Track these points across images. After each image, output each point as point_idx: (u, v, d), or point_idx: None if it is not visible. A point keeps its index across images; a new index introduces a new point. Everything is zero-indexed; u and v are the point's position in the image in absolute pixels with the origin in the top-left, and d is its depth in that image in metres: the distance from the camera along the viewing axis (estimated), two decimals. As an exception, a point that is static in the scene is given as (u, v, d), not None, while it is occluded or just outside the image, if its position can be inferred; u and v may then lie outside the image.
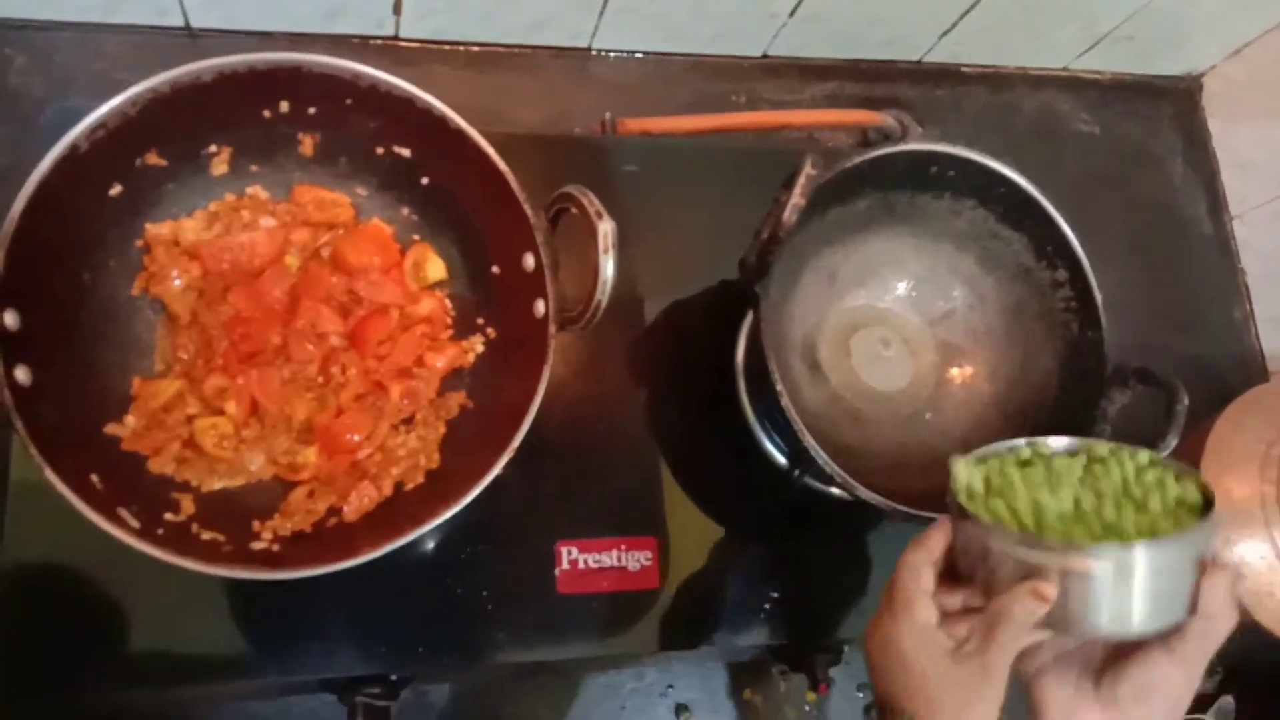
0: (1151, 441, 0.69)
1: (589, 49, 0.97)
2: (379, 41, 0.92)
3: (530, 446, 0.78)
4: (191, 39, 0.87)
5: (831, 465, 0.69)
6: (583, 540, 0.77)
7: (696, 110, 0.96)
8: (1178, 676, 0.51)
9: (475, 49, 0.94)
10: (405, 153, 0.70)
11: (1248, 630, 0.84)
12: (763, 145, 0.98)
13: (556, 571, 0.76)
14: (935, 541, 0.57)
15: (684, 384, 0.84)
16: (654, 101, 0.97)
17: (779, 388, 0.68)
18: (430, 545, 0.74)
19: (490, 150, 0.65)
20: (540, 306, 0.65)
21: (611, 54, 0.98)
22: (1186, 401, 0.69)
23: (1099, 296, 0.76)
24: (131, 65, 0.84)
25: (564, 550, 0.77)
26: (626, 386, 0.83)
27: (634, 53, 0.98)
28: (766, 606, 0.80)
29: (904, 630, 0.56)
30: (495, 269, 0.70)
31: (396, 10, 0.88)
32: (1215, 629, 0.51)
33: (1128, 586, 0.50)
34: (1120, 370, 0.73)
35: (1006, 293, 0.81)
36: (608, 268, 0.60)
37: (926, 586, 0.56)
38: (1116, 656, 0.54)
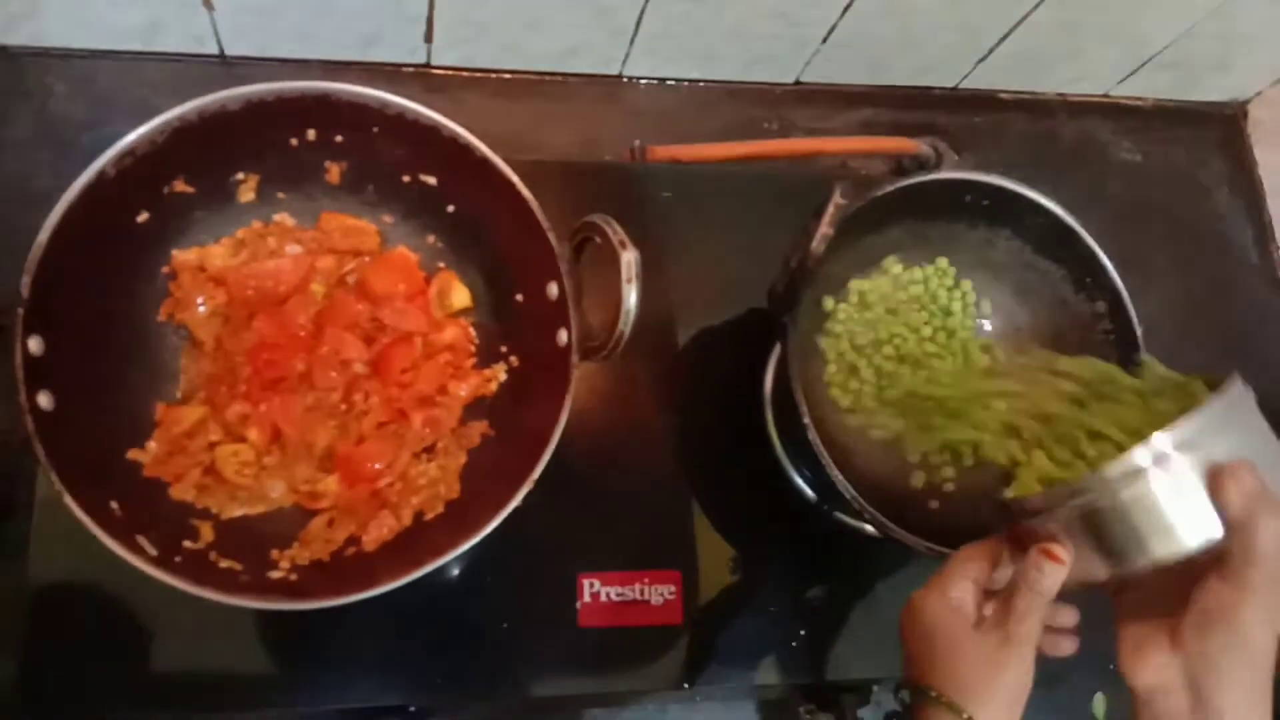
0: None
1: (620, 76, 0.96)
2: (410, 69, 0.92)
3: (553, 476, 0.78)
4: (226, 67, 0.88)
5: (860, 501, 0.67)
6: (605, 573, 0.76)
7: (728, 137, 0.95)
8: (1234, 599, 0.46)
9: (506, 76, 0.94)
10: (431, 181, 0.69)
11: None
12: (795, 173, 0.97)
13: (578, 604, 0.75)
14: (992, 544, 0.56)
15: (711, 414, 0.83)
16: (686, 128, 0.96)
17: (805, 420, 0.67)
18: (451, 575, 0.73)
19: (515, 179, 0.64)
20: (563, 335, 0.64)
21: (643, 81, 0.97)
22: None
23: (1139, 330, 0.74)
24: (170, 92, 0.84)
25: (586, 582, 0.76)
26: (652, 416, 0.82)
27: (665, 80, 0.98)
28: (793, 644, 0.78)
29: (934, 604, 0.55)
30: (519, 297, 0.69)
31: (428, 38, 0.88)
32: (1255, 542, 0.46)
33: (1159, 497, 0.48)
34: (1160, 405, 0.71)
35: (1044, 324, 0.79)
36: (630, 298, 0.59)
37: (969, 573, 0.56)
38: (1186, 585, 0.49)
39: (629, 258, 0.59)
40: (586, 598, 0.75)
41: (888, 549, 0.80)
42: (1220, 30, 0.97)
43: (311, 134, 0.67)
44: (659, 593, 0.77)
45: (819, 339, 0.78)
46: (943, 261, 0.79)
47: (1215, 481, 0.48)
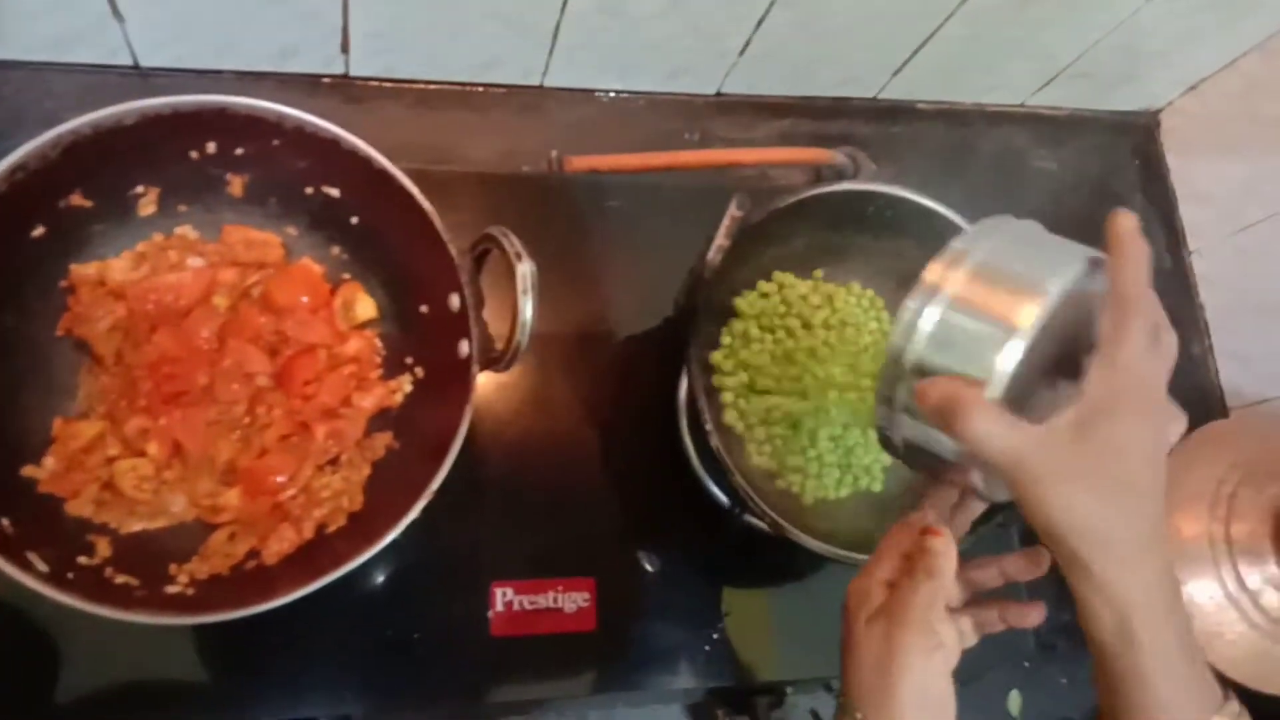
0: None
1: (541, 87, 0.97)
2: (330, 80, 0.92)
3: (467, 486, 0.78)
4: (142, 78, 0.88)
5: (761, 505, 0.68)
6: (518, 581, 0.76)
7: (651, 148, 0.96)
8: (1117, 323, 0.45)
9: (427, 87, 0.94)
10: (334, 192, 0.70)
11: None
12: (715, 183, 0.97)
13: (490, 614, 0.75)
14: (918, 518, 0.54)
15: (627, 422, 0.83)
16: (608, 139, 0.97)
17: (709, 427, 0.68)
18: (361, 587, 0.73)
19: (415, 190, 0.65)
20: (464, 347, 0.64)
21: (564, 92, 0.98)
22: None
23: (1039, 336, 0.75)
24: (81, 105, 0.84)
25: (499, 592, 0.76)
26: (570, 425, 0.82)
27: (587, 90, 0.98)
28: (706, 648, 0.79)
29: (851, 589, 0.53)
30: (424, 308, 0.69)
31: (345, 49, 0.88)
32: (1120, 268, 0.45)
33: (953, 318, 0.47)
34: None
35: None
36: (526, 309, 0.60)
37: (897, 546, 0.53)
38: None
39: (524, 270, 0.59)
40: (499, 606, 0.76)
41: (800, 553, 0.81)
42: (1127, 43, 1.00)
43: (211, 147, 0.67)
44: (573, 600, 0.77)
45: (714, 351, 0.79)
46: (818, 273, 0.80)
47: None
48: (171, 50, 0.86)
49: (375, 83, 0.93)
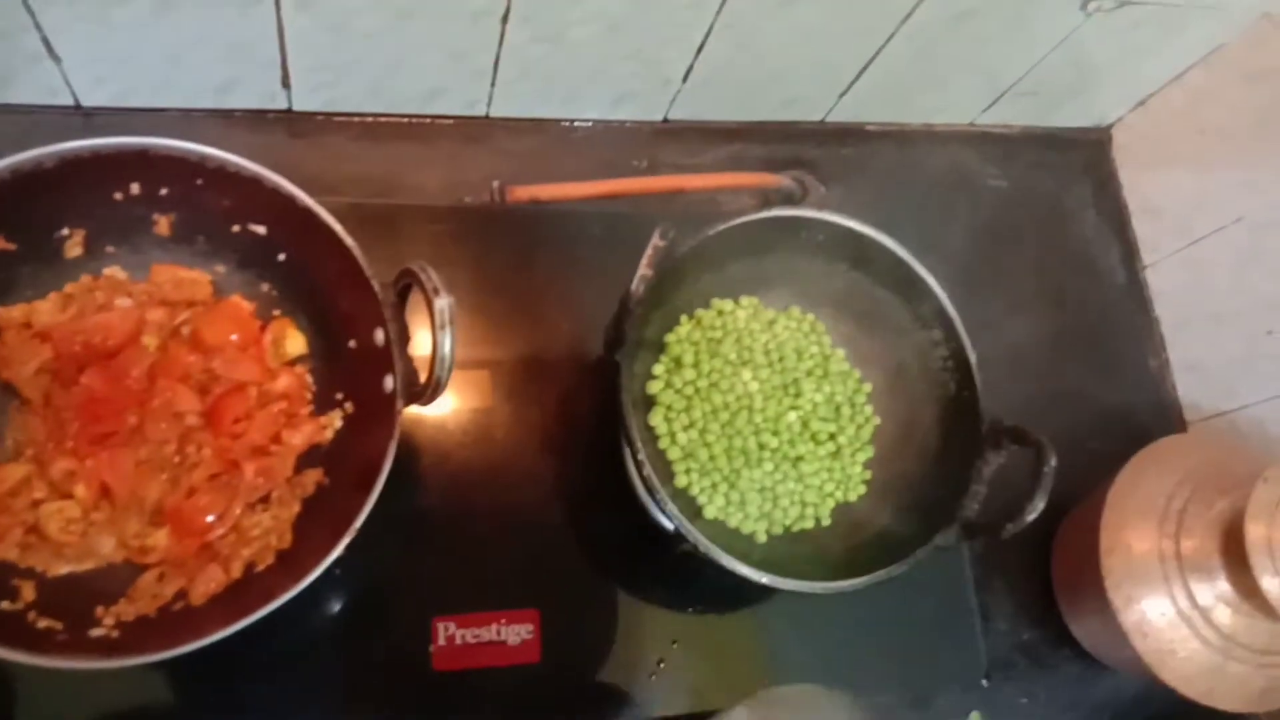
0: (1019, 504, 0.68)
1: (486, 116, 0.97)
2: (273, 114, 0.92)
3: (409, 519, 0.78)
4: (85, 117, 0.88)
5: (693, 533, 0.68)
6: (461, 615, 0.76)
7: (598, 176, 0.96)
8: None
9: (370, 120, 0.94)
10: (260, 230, 0.70)
11: (1157, 690, 0.82)
12: (661, 210, 0.97)
13: (432, 648, 0.75)
14: None
15: (571, 452, 0.83)
16: (554, 168, 0.97)
17: (640, 456, 0.68)
18: (299, 624, 0.73)
19: (337, 227, 0.65)
20: (389, 382, 0.64)
21: (511, 121, 0.98)
22: (1054, 462, 0.68)
23: (973, 356, 0.76)
24: (21, 145, 0.85)
25: (441, 626, 0.76)
26: (512, 456, 0.82)
27: (534, 120, 0.99)
28: (652, 676, 0.79)
29: None
30: (352, 344, 0.69)
31: (285, 84, 0.88)
32: None
33: None
34: (994, 429, 0.73)
35: (887, 354, 0.81)
36: (445, 343, 0.60)
37: None
38: None
39: (441, 304, 0.59)
40: (441, 641, 0.75)
41: (749, 583, 0.81)
42: (1071, 60, 1.00)
43: (135, 188, 0.67)
44: (516, 632, 0.77)
45: (648, 381, 0.79)
46: (750, 300, 0.80)
47: None
48: (110, 88, 0.86)
49: (319, 116, 0.93)
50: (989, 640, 0.92)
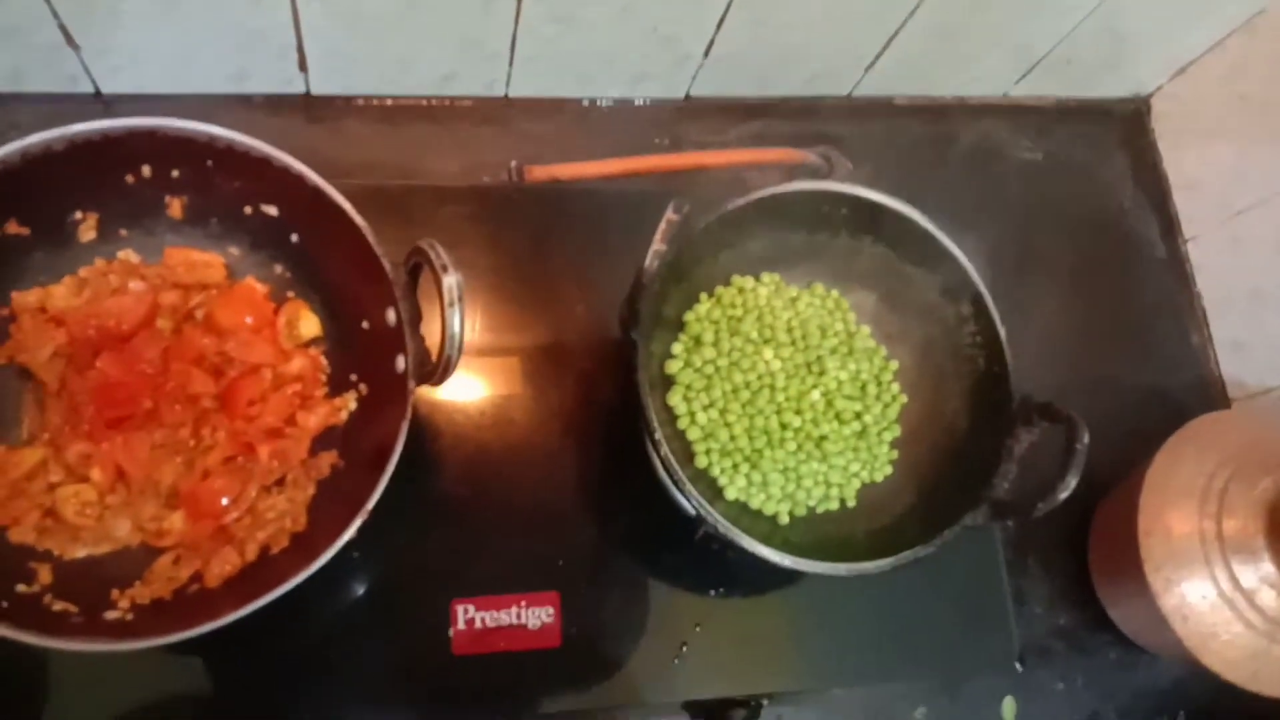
0: (1052, 483, 0.66)
1: (505, 97, 0.96)
2: (293, 98, 0.92)
3: (428, 502, 0.78)
4: (105, 105, 0.88)
5: (713, 515, 0.66)
6: (480, 598, 0.75)
7: (619, 155, 0.95)
8: None
9: (389, 103, 0.94)
10: (272, 211, 0.69)
11: (1198, 675, 0.80)
12: (686, 188, 0.95)
13: (451, 632, 0.74)
14: None
15: (591, 433, 0.82)
16: (575, 148, 0.95)
17: (657, 436, 0.66)
18: (318, 608, 0.73)
19: (348, 206, 0.64)
20: (401, 362, 0.63)
21: (530, 101, 0.97)
22: (1086, 439, 0.66)
23: (1003, 331, 0.73)
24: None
25: (460, 609, 0.75)
26: (531, 437, 0.81)
27: (554, 99, 0.97)
28: (676, 661, 0.77)
29: None
30: (365, 324, 0.69)
31: (303, 68, 0.88)
32: None
33: None
34: (1025, 406, 0.70)
35: (915, 330, 0.78)
36: (454, 321, 0.59)
37: None
38: None
39: (450, 282, 0.58)
40: (461, 624, 0.75)
41: (773, 566, 0.79)
42: (1107, 27, 0.97)
43: (147, 170, 0.67)
44: (536, 616, 0.76)
45: (667, 360, 0.77)
46: (771, 277, 0.78)
47: None
48: (129, 76, 0.86)
49: (338, 100, 0.93)
50: (1024, 624, 0.89)
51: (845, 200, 0.73)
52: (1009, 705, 0.88)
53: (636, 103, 0.99)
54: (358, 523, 0.60)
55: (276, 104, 0.92)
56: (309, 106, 0.92)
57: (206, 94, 0.89)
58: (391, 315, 0.64)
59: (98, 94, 0.87)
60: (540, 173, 0.89)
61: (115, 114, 0.87)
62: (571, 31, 0.87)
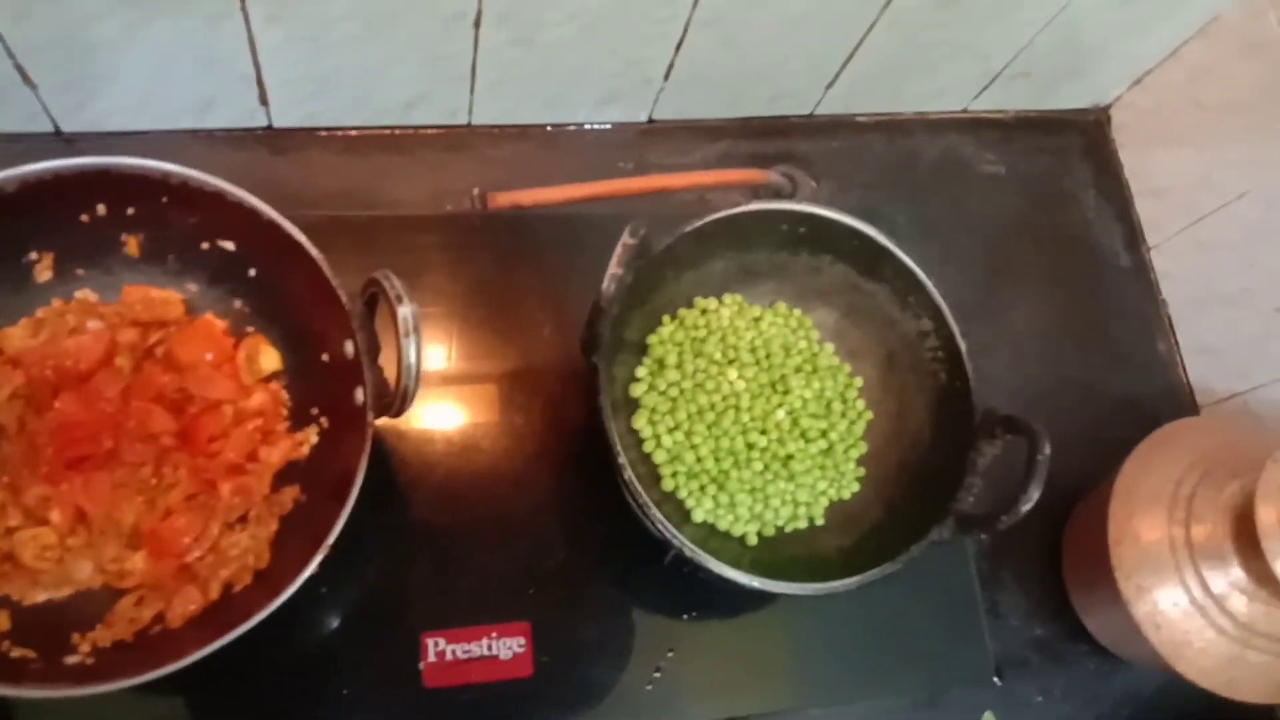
0: (1015, 496, 0.66)
1: (469, 125, 0.96)
2: (257, 132, 0.92)
3: (395, 534, 0.77)
4: (66, 143, 0.88)
5: (679, 537, 0.66)
6: (450, 630, 0.75)
7: (584, 180, 0.95)
8: None
9: (352, 133, 0.94)
10: (229, 246, 0.69)
11: (1178, 683, 0.80)
12: (651, 211, 0.96)
13: (422, 665, 0.74)
14: None
15: (561, 460, 0.82)
16: (541, 174, 0.95)
17: (620, 460, 0.66)
18: (285, 644, 0.72)
19: (303, 239, 0.64)
20: (359, 394, 0.63)
21: (494, 128, 0.97)
22: (1048, 450, 0.66)
23: (964, 344, 0.74)
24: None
25: (430, 642, 0.74)
26: (499, 466, 0.81)
27: (518, 125, 0.98)
28: (648, 687, 0.77)
29: None
30: (325, 357, 0.69)
31: (263, 101, 0.88)
32: None
33: None
34: (988, 419, 0.71)
35: (876, 345, 0.79)
36: (410, 352, 0.59)
37: None
38: None
39: (404, 312, 0.58)
40: (431, 657, 0.74)
41: (743, 587, 0.79)
42: (1063, 39, 0.98)
43: (102, 209, 0.66)
44: (508, 646, 0.75)
45: (631, 384, 0.77)
46: (733, 298, 0.78)
47: None
48: (90, 114, 0.86)
49: (301, 132, 0.93)
50: (1001, 637, 0.89)
51: (803, 219, 0.73)
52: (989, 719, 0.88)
53: (601, 127, 0.99)
54: (318, 558, 0.59)
55: (240, 138, 0.91)
56: (272, 139, 0.92)
57: (169, 129, 0.89)
58: (350, 347, 0.64)
59: (58, 132, 0.87)
60: (503, 199, 0.89)
61: (77, 152, 0.87)
62: (532, 56, 0.87)
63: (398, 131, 0.95)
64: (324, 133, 0.93)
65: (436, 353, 0.82)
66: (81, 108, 0.85)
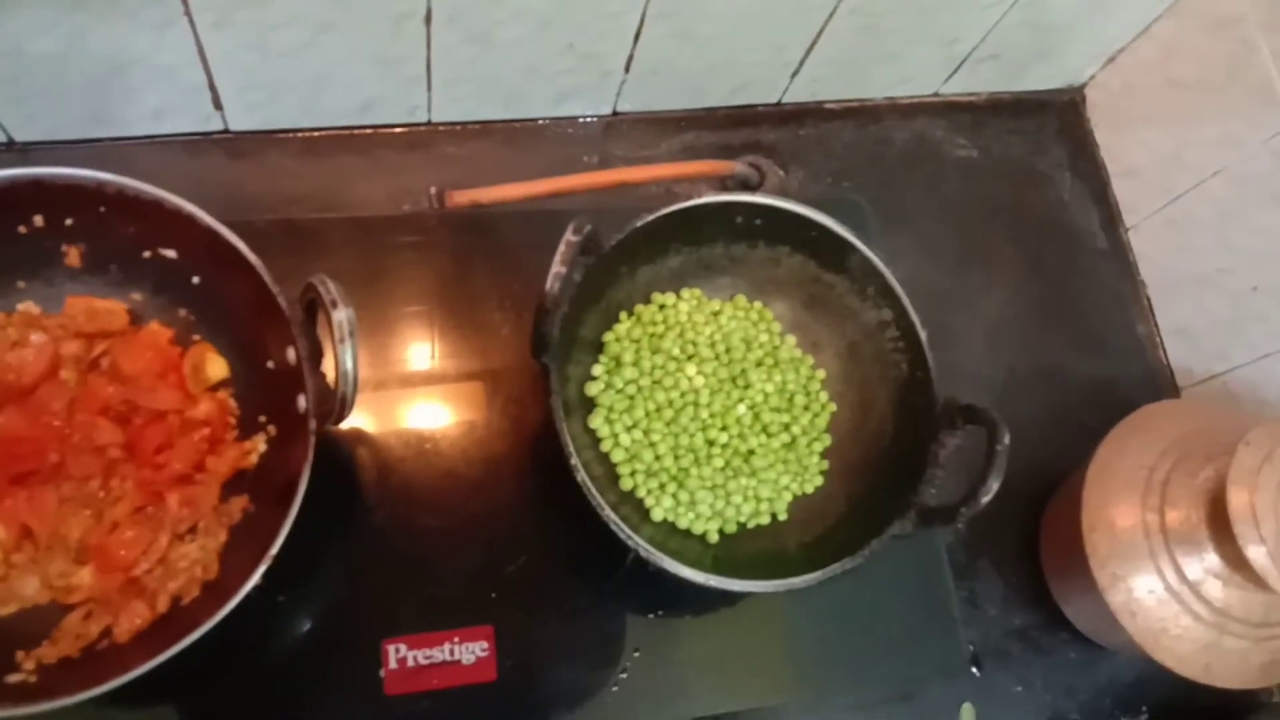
0: (973, 487, 0.64)
1: (429, 123, 0.95)
2: (215, 136, 0.91)
3: (354, 540, 0.76)
4: (20, 154, 0.87)
5: (634, 538, 0.65)
6: (412, 636, 0.74)
7: (547, 175, 0.94)
8: None
9: (310, 135, 0.93)
10: (171, 254, 0.68)
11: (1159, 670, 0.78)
12: (614, 205, 0.95)
13: (383, 672, 0.73)
14: None
15: (521, 462, 0.81)
16: (503, 170, 0.94)
17: (574, 461, 0.65)
18: (245, 654, 0.71)
19: (242, 245, 0.63)
20: (301, 401, 0.62)
21: (454, 126, 0.96)
22: (1007, 440, 0.65)
23: (923, 334, 0.72)
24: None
25: (391, 648, 0.73)
26: (459, 468, 0.80)
27: (479, 123, 0.96)
28: (614, 688, 0.76)
29: None
30: (270, 364, 0.67)
31: (218, 105, 0.87)
32: None
33: None
34: (948, 409, 0.69)
35: (837, 337, 0.77)
36: (346, 358, 0.58)
37: None
38: None
39: (339, 317, 0.57)
40: (393, 664, 0.73)
41: (706, 588, 0.78)
42: (1029, 19, 0.96)
43: (39, 220, 0.65)
44: (470, 651, 0.74)
45: (588, 383, 0.76)
46: (691, 292, 0.77)
47: None
48: (43, 123, 0.85)
49: (258, 135, 0.92)
50: (979, 628, 0.88)
51: (757, 210, 0.72)
52: (968, 711, 0.87)
53: (563, 121, 0.98)
54: (262, 569, 0.58)
55: (196, 143, 0.91)
56: (229, 144, 0.91)
57: (124, 137, 0.88)
58: (292, 354, 0.63)
59: (11, 143, 0.86)
60: (461, 197, 0.88)
61: (31, 162, 0.87)
62: (489, 53, 0.86)
63: (357, 132, 0.94)
64: (282, 136, 0.92)
65: (394, 355, 0.81)
66: (35, 118, 0.84)
